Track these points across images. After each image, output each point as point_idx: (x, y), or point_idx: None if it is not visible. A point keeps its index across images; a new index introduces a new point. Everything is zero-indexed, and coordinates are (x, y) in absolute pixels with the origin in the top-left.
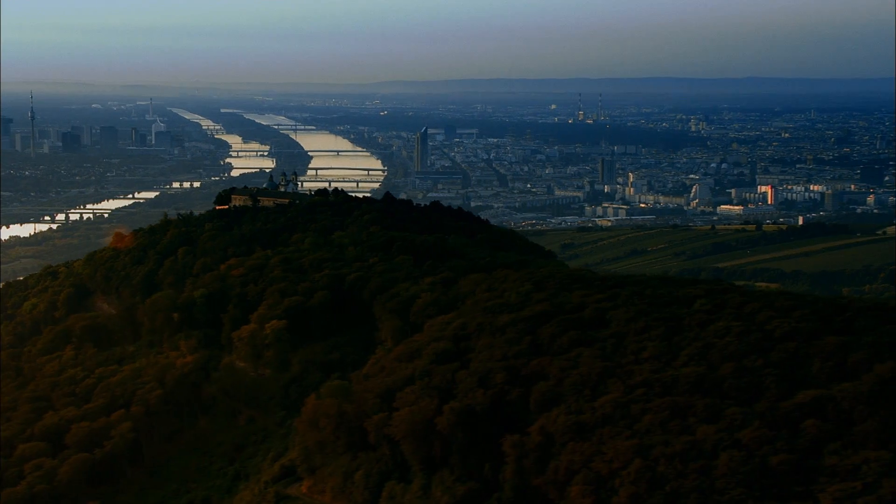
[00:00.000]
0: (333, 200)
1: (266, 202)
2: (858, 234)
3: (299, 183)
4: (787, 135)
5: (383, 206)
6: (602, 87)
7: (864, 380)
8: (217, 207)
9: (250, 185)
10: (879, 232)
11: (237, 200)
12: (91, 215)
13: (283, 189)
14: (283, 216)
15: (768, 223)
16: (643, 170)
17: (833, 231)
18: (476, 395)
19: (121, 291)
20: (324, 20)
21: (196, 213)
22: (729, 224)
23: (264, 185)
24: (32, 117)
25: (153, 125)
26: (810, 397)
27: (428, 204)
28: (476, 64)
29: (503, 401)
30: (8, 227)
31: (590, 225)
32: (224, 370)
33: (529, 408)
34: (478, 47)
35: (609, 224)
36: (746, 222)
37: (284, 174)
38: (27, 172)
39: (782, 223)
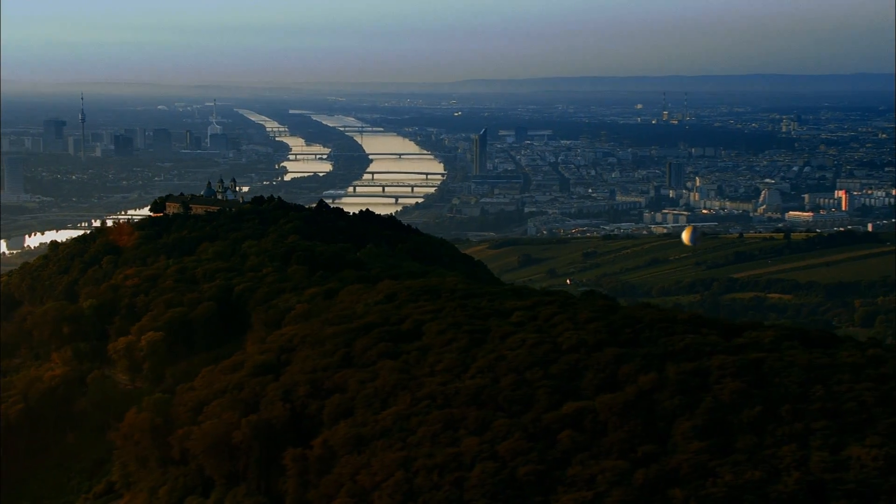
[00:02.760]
0: (262, 208)
1: (198, 210)
2: (889, 244)
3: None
4: (883, 135)
5: (311, 214)
6: (697, 85)
7: (626, 391)
8: (152, 215)
9: (302, 190)
10: None
11: (171, 208)
12: (129, 221)
13: (220, 196)
14: (209, 225)
15: (798, 231)
16: (717, 173)
17: (863, 240)
18: (275, 408)
19: (45, 301)
20: (403, 17)
21: None
22: (762, 232)
23: (203, 193)
24: (83, 119)
25: (209, 127)
26: (573, 409)
27: (359, 212)
28: (562, 61)
29: (303, 414)
30: (43, 234)
31: (644, 232)
32: (94, 383)
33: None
34: (564, 43)
35: (664, 231)
36: (778, 230)
37: (222, 181)
38: (74, 177)
39: (805, 231)
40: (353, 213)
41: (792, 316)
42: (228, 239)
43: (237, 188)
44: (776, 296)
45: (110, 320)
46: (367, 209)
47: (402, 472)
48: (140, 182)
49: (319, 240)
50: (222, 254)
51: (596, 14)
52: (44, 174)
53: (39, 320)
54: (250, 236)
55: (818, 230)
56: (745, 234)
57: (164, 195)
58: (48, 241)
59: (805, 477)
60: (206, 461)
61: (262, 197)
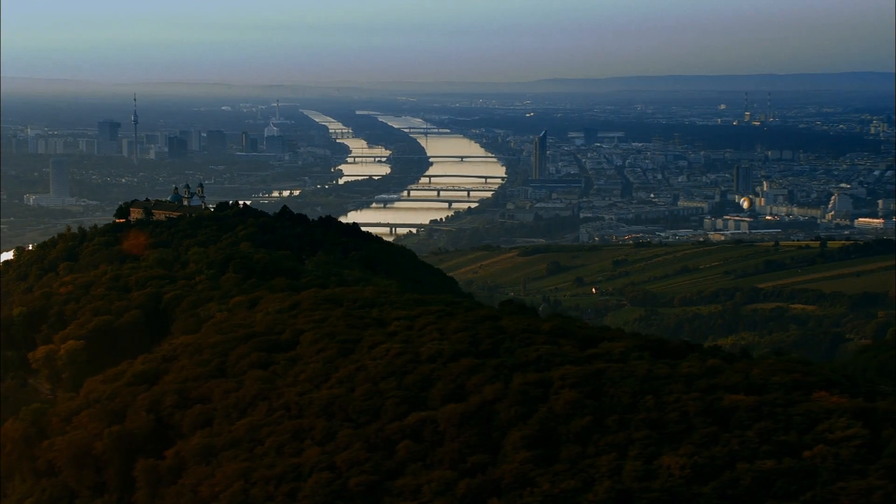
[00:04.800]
0: (222, 215)
1: (160, 215)
2: None
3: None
4: None
5: (269, 221)
6: (789, 84)
7: (470, 401)
8: (116, 221)
9: (353, 194)
10: None
11: (135, 213)
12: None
13: (186, 202)
14: (167, 231)
15: (863, 239)
16: (791, 177)
17: None
18: (139, 418)
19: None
20: (480, 14)
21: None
22: (793, 240)
23: (170, 198)
24: (135, 121)
25: (266, 129)
26: (415, 419)
27: (318, 219)
28: (646, 59)
29: (169, 424)
30: None
31: (700, 239)
32: (9, 393)
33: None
34: (648, 41)
35: (721, 238)
36: (816, 238)
37: (188, 186)
38: (123, 180)
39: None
40: (314, 220)
41: (813, 327)
42: (182, 245)
43: (204, 194)
44: (799, 306)
45: (39, 328)
46: (329, 216)
47: (242, 482)
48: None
49: (274, 247)
50: (164, 261)
51: (683, 10)
52: (93, 177)
53: None
54: (204, 243)
55: (885, 237)
56: (780, 243)
57: (128, 201)
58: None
59: (615, 486)
60: (70, 473)
61: (226, 203)
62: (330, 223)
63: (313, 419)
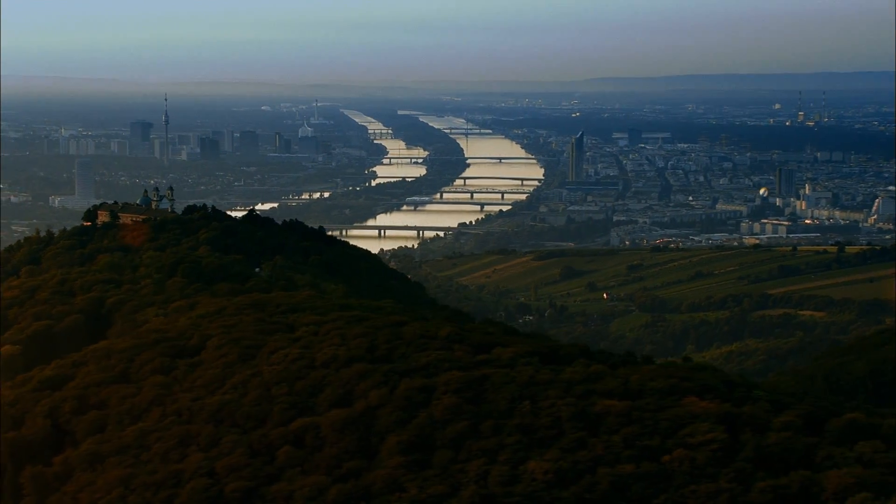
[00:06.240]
0: (187, 218)
1: (126, 219)
2: None
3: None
4: None
5: (232, 224)
6: (852, 82)
7: (355, 407)
8: (84, 224)
9: (384, 196)
10: None
11: (103, 217)
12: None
13: (155, 205)
14: (130, 234)
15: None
16: (838, 179)
17: None
18: (35, 424)
19: None
20: (529, 11)
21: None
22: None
23: (139, 201)
24: (166, 122)
25: (300, 130)
26: (299, 425)
27: (283, 222)
28: (700, 58)
29: (66, 430)
30: None
31: (734, 243)
32: None
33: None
34: (703, 39)
35: (756, 242)
36: (836, 243)
37: (157, 189)
38: (152, 182)
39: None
40: (279, 223)
41: (819, 334)
42: (142, 249)
43: (173, 197)
44: (808, 312)
45: None
46: (296, 219)
47: (122, 489)
48: (218, 187)
49: (235, 251)
50: (116, 265)
51: (741, 6)
52: (122, 178)
53: None
54: (164, 247)
55: None
56: (798, 247)
57: (96, 204)
58: None
59: (480, 491)
60: None
61: (194, 206)
62: (295, 227)
63: (201, 425)
